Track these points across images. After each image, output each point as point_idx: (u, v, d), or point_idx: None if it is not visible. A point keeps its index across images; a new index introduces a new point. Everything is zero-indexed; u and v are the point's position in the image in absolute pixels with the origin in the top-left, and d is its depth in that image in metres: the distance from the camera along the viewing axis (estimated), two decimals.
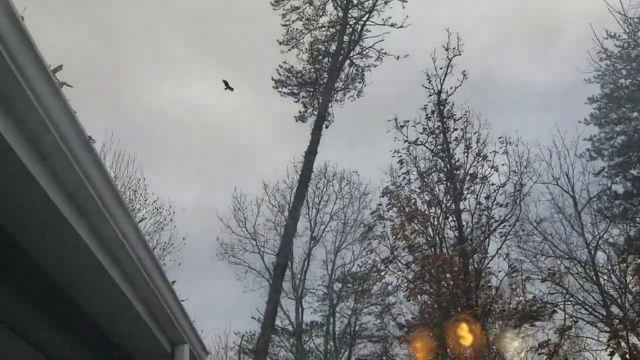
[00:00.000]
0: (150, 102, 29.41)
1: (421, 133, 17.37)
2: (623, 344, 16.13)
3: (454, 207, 16.59)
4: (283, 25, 22.38)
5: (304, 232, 26.84)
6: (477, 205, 16.28)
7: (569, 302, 18.60)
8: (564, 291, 18.89)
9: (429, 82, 17.67)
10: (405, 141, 17.38)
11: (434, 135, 17.38)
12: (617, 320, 18.14)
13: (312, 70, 22.31)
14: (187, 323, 4.10)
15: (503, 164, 16.56)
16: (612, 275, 19.83)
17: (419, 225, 16.81)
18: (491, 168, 16.46)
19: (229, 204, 27.20)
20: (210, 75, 30.74)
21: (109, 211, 2.66)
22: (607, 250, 20.58)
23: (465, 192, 16.53)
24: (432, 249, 16.66)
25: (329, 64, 21.94)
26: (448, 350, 15.23)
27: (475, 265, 15.93)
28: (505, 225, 16.22)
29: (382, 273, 18.75)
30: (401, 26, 21.30)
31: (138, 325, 3.54)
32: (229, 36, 29.22)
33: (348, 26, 22.15)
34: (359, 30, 22.26)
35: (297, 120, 22.46)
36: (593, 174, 22.03)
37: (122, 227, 2.80)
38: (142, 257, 3.10)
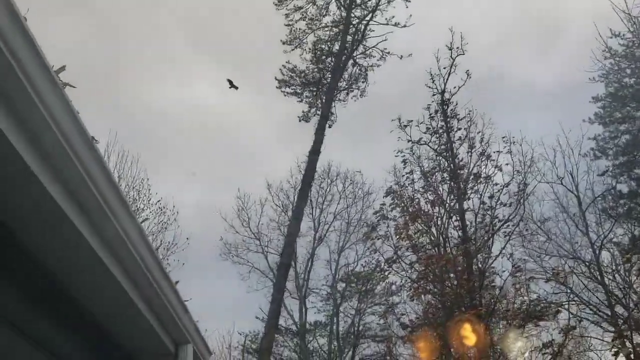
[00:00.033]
0: (152, 102, 29.50)
1: (425, 133, 17.36)
2: (628, 343, 16.08)
3: (457, 207, 16.56)
4: (286, 25, 22.41)
5: (308, 232, 26.87)
6: (481, 205, 16.26)
7: (573, 302, 18.55)
8: (568, 291, 18.84)
9: (433, 82, 17.67)
10: (409, 141, 17.37)
11: (438, 135, 17.35)
12: (622, 320, 18.07)
13: (316, 70, 22.33)
14: (191, 323, 4.10)
15: (507, 164, 16.54)
16: (616, 275, 19.77)
17: (422, 225, 16.79)
18: (495, 168, 16.43)
19: (233, 204, 27.25)
20: (212, 75, 30.81)
21: (112, 210, 2.66)
22: (611, 250, 20.52)
23: (469, 192, 16.51)
24: (436, 249, 16.64)
25: (332, 64, 21.95)
26: (452, 350, 15.21)
27: (479, 265, 15.91)
28: (509, 225, 16.20)
29: (386, 273, 18.76)
30: (404, 25, 21.31)
31: (141, 325, 3.55)
32: (232, 36, 29.24)
33: (351, 26, 22.15)
34: (362, 30, 22.26)
35: (300, 120, 22.50)
36: (598, 174, 21.97)
37: (124, 226, 2.81)
38: (144, 257, 3.10)
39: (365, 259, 24.22)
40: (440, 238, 16.55)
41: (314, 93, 22.40)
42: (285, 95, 22.42)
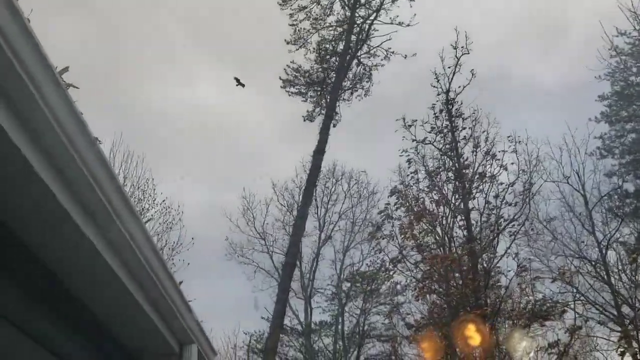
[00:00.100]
0: (152, 103, 29.56)
1: (429, 132, 17.34)
2: (634, 343, 15.99)
3: (462, 206, 16.53)
4: (290, 25, 22.40)
5: (313, 232, 26.87)
6: (486, 204, 16.22)
7: (579, 302, 18.48)
8: (574, 290, 18.76)
9: (437, 81, 17.63)
10: (414, 140, 17.35)
11: (443, 134, 17.33)
12: (628, 320, 17.98)
13: (320, 69, 22.32)
14: (195, 323, 4.11)
15: (512, 163, 16.49)
16: (622, 275, 19.68)
17: (427, 225, 16.76)
18: (500, 167, 16.39)
19: (237, 204, 27.28)
20: (213, 75, 30.84)
21: (116, 211, 2.67)
22: (617, 250, 20.42)
23: (474, 191, 16.47)
24: (441, 249, 16.61)
25: (337, 64, 21.93)
26: (457, 350, 15.17)
27: (484, 265, 15.86)
28: (514, 224, 16.15)
29: (391, 272, 18.72)
30: (408, 25, 21.26)
31: (145, 325, 3.55)
32: (232, 36, 29.27)
33: (355, 25, 22.14)
34: (366, 30, 22.24)
35: (305, 120, 22.48)
36: (605, 174, 21.85)
37: (128, 227, 2.81)
38: (149, 258, 3.11)
39: (370, 258, 24.23)
40: (445, 238, 16.51)
41: (319, 93, 22.39)
42: (289, 95, 22.45)
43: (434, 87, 17.62)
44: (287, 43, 22.34)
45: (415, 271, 17.06)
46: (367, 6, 22.30)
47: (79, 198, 2.46)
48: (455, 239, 16.57)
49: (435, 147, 17.35)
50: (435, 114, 17.38)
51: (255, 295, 26.47)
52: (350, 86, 22.57)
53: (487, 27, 29.38)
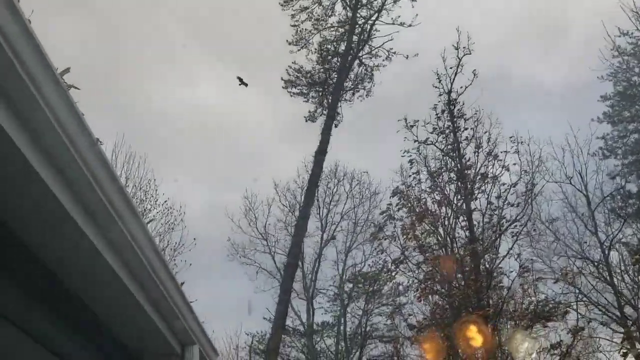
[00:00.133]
0: (153, 103, 29.57)
1: (431, 133, 17.33)
2: (637, 344, 15.95)
3: (464, 207, 16.51)
4: (292, 26, 22.42)
5: (315, 232, 26.85)
6: (488, 205, 16.20)
7: (582, 303, 18.42)
8: (577, 291, 18.71)
9: (439, 82, 17.63)
10: (415, 141, 17.34)
11: (444, 135, 17.31)
12: (631, 321, 17.93)
13: (322, 70, 22.32)
14: (196, 324, 4.11)
15: (514, 164, 16.47)
16: (625, 276, 19.62)
17: (429, 225, 16.75)
18: (502, 167, 16.37)
19: (239, 204, 27.24)
20: (213, 75, 30.85)
21: (117, 211, 2.67)
22: (620, 250, 20.36)
23: (476, 192, 16.45)
24: (443, 249, 16.59)
25: (338, 64, 21.94)
26: (459, 351, 15.15)
27: (487, 265, 15.84)
28: (516, 225, 16.12)
29: (393, 273, 18.71)
30: (410, 25, 21.25)
31: (147, 326, 3.55)
32: (232, 36, 29.28)
33: (357, 26, 22.14)
34: (368, 30, 22.24)
35: (307, 120, 22.49)
36: (607, 174, 21.78)
37: (130, 227, 2.81)
38: (150, 259, 3.11)
39: (373, 259, 24.21)
40: (448, 238, 16.50)
41: (320, 93, 22.40)
42: (291, 96, 22.45)
43: (436, 87, 17.64)
44: (289, 44, 22.37)
45: (417, 272, 17.06)
46: (369, 6, 22.32)
47: (79, 198, 2.46)
48: (457, 239, 16.57)
49: (437, 147, 17.36)
50: (437, 114, 17.38)
51: (249, 299, 26.35)
52: (352, 87, 22.59)
53: (487, 27, 29.37)
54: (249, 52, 28.24)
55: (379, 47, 22.17)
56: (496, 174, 16.37)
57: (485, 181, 16.39)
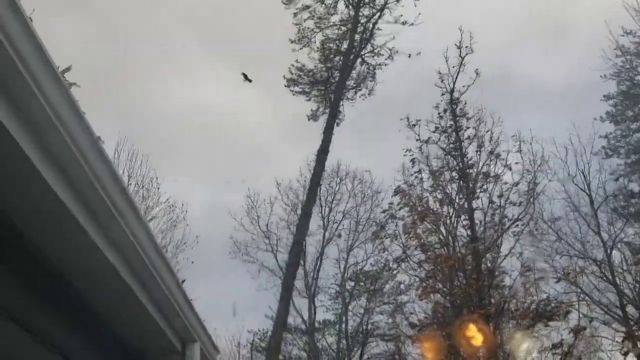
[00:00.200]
0: (153, 102, 29.54)
1: (433, 132, 17.30)
2: (639, 344, 15.93)
3: (466, 206, 16.49)
4: (294, 24, 22.38)
5: (317, 231, 26.85)
6: (490, 204, 16.18)
7: (584, 302, 18.41)
8: (579, 291, 18.68)
9: (442, 81, 17.60)
10: (417, 140, 17.32)
11: (447, 134, 17.29)
12: (633, 321, 17.90)
13: (324, 68, 22.29)
14: (197, 321, 4.12)
15: (517, 163, 16.44)
16: (627, 275, 19.59)
17: (431, 224, 16.74)
18: (504, 167, 16.35)
19: (242, 203, 27.24)
20: (214, 74, 30.81)
21: (119, 210, 2.67)
22: (622, 250, 20.32)
23: (478, 191, 16.43)
24: (445, 248, 16.58)
25: (341, 63, 21.90)
26: (460, 349, 15.15)
27: (488, 264, 15.84)
28: (518, 224, 16.10)
29: (395, 272, 18.73)
30: (412, 24, 21.20)
31: (148, 323, 3.56)
32: (232, 36, 29.22)
33: (359, 24, 22.08)
34: (370, 29, 22.18)
35: (309, 119, 22.47)
36: (611, 174, 21.73)
37: (131, 226, 2.81)
38: (152, 257, 3.11)
39: (374, 257, 24.21)
40: (449, 237, 16.49)
41: (322, 92, 22.37)
42: (293, 94, 22.42)
43: (438, 86, 17.62)
44: (291, 42, 22.32)
45: (418, 270, 17.07)
46: (371, 5, 22.25)
47: (80, 197, 2.46)
48: (459, 238, 16.56)
49: (439, 146, 17.34)
50: (439, 113, 17.36)
51: (234, 301, 26.27)
52: (354, 85, 22.54)
53: (488, 27, 29.26)
54: (250, 51, 28.18)
55: (382, 46, 22.15)
56: (498, 173, 16.37)
57: (487, 180, 16.38)
